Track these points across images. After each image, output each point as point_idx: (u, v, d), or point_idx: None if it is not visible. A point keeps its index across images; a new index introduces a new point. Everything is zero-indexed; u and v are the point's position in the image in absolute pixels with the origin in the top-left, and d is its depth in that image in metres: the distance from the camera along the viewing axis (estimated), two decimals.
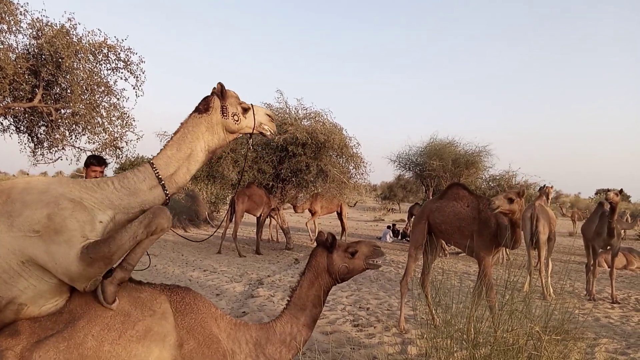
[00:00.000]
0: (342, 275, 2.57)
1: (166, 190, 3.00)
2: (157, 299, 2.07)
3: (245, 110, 3.31)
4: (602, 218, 8.38)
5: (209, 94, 3.31)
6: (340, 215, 17.29)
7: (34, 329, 1.89)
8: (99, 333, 1.88)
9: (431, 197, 15.24)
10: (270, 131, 3.44)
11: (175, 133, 3.20)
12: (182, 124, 3.23)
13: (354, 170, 14.92)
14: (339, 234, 17.14)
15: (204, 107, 3.24)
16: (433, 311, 5.10)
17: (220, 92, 3.29)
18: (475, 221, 5.53)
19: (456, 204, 5.85)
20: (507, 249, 13.99)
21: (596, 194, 44.10)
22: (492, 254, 5.43)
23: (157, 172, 3.00)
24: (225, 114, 3.24)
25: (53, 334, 1.86)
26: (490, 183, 16.30)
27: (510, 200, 4.91)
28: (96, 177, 5.07)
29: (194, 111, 3.25)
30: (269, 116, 3.43)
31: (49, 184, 2.62)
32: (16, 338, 1.86)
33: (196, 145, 3.17)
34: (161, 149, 3.14)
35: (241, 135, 3.43)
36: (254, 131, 3.38)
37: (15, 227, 2.34)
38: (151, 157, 3.19)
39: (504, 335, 3.16)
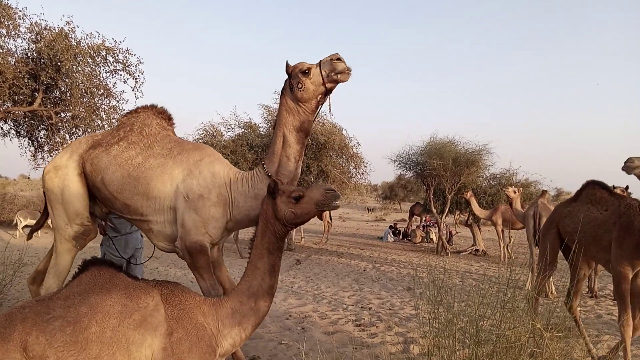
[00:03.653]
0: (290, 221, 2.59)
1: None
2: (150, 293, 2.26)
3: (305, 72, 3.22)
4: None
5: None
6: (320, 215, 17.24)
7: (37, 313, 2.02)
8: (102, 320, 2.05)
9: (432, 196, 15.25)
10: (341, 73, 3.21)
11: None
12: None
13: (355, 170, 14.93)
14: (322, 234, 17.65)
15: (280, 93, 3.44)
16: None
17: (286, 70, 3.34)
18: (615, 227, 4.45)
19: (591, 208, 4.86)
20: (508, 248, 14.03)
21: None
22: (634, 270, 4.32)
23: (267, 171, 3.42)
24: (292, 88, 3.28)
25: (57, 318, 2.01)
26: (491, 182, 16.30)
27: None
28: None
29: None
30: (334, 59, 3.21)
31: (221, 168, 3.55)
32: (22, 323, 1.98)
33: (284, 131, 3.38)
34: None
35: (323, 100, 3.35)
36: (327, 85, 3.23)
37: (186, 183, 3.45)
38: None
39: (506, 333, 3.15)
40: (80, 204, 3.81)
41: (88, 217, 3.87)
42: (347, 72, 3.24)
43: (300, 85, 3.22)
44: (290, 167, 3.40)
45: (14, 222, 14.18)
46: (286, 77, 3.37)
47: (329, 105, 3.48)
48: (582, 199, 5.07)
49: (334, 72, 3.21)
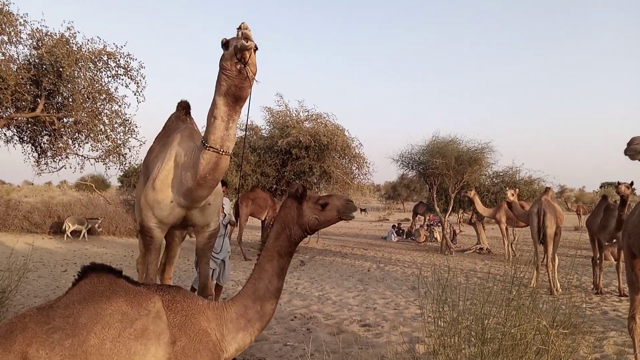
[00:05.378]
0: (312, 227, 2.59)
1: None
2: (151, 299, 2.18)
3: (224, 44, 3.24)
4: (607, 211, 8.33)
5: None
6: None
7: (38, 323, 1.97)
8: (101, 331, 1.98)
9: (435, 195, 15.22)
10: (241, 50, 3.13)
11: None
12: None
13: (357, 170, 14.92)
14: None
15: None
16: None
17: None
18: None
19: None
20: (512, 246, 13.98)
21: (601, 187, 43.75)
22: None
23: (202, 138, 3.60)
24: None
25: (56, 330, 1.95)
26: (494, 180, 16.25)
27: None
28: None
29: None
30: (238, 36, 3.14)
31: (180, 149, 3.81)
32: (22, 333, 1.93)
33: (214, 97, 3.44)
34: None
35: (243, 69, 3.25)
36: (238, 55, 3.18)
37: (156, 168, 3.88)
38: None
39: (512, 331, 3.15)
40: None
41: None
42: (246, 46, 3.13)
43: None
44: (217, 125, 3.42)
45: (64, 227, 14.82)
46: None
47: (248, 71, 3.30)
48: None
49: (238, 48, 3.15)
